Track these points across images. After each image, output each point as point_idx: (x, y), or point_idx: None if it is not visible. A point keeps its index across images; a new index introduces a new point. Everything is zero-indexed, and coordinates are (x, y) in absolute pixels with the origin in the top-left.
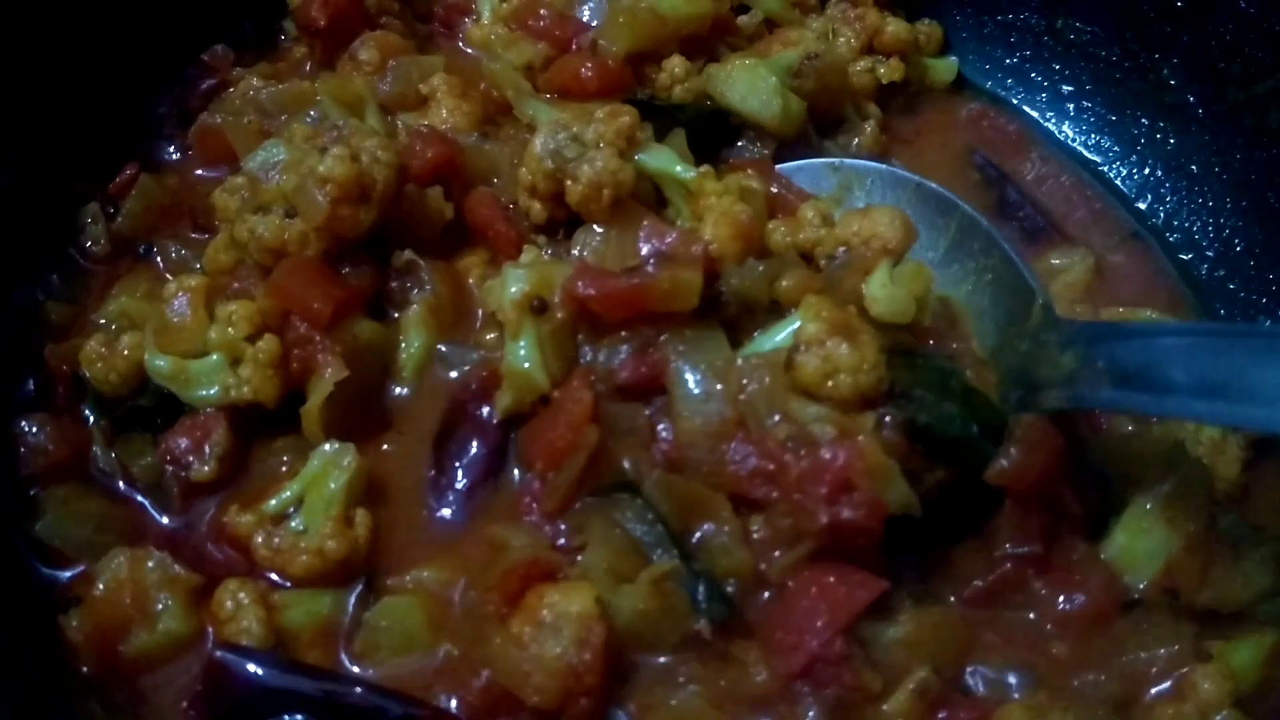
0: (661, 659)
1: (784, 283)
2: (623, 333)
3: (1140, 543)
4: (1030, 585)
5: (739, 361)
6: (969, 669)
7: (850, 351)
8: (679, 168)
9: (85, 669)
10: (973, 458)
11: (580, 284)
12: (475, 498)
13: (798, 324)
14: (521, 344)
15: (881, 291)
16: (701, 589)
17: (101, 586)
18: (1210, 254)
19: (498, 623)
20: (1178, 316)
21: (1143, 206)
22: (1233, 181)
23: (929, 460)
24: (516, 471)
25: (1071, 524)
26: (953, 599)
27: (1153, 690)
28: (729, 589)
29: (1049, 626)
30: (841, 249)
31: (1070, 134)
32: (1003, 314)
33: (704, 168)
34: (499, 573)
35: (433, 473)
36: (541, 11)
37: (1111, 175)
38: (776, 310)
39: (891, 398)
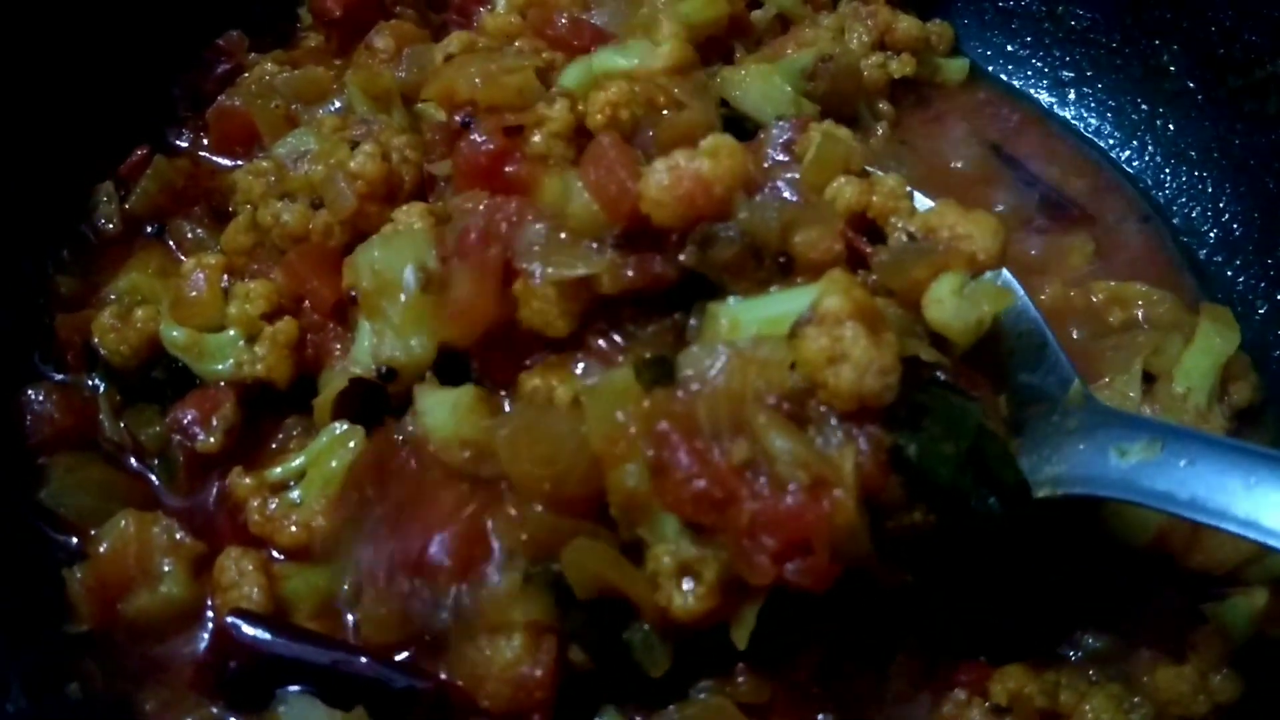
0: None
1: (801, 236)
2: None
3: (1132, 508)
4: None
5: (694, 349)
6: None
7: (867, 347)
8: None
9: (84, 626)
10: (960, 511)
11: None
12: None
13: (811, 297)
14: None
15: (951, 298)
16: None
17: (107, 544)
18: (1209, 239)
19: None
20: (1180, 300)
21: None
22: (1232, 167)
23: (908, 499)
24: None
25: None
26: None
27: (1150, 652)
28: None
29: (1050, 592)
30: (924, 234)
31: (1070, 120)
32: (1030, 390)
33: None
34: None
35: None
36: (559, 20)
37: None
38: (780, 273)
39: (888, 416)
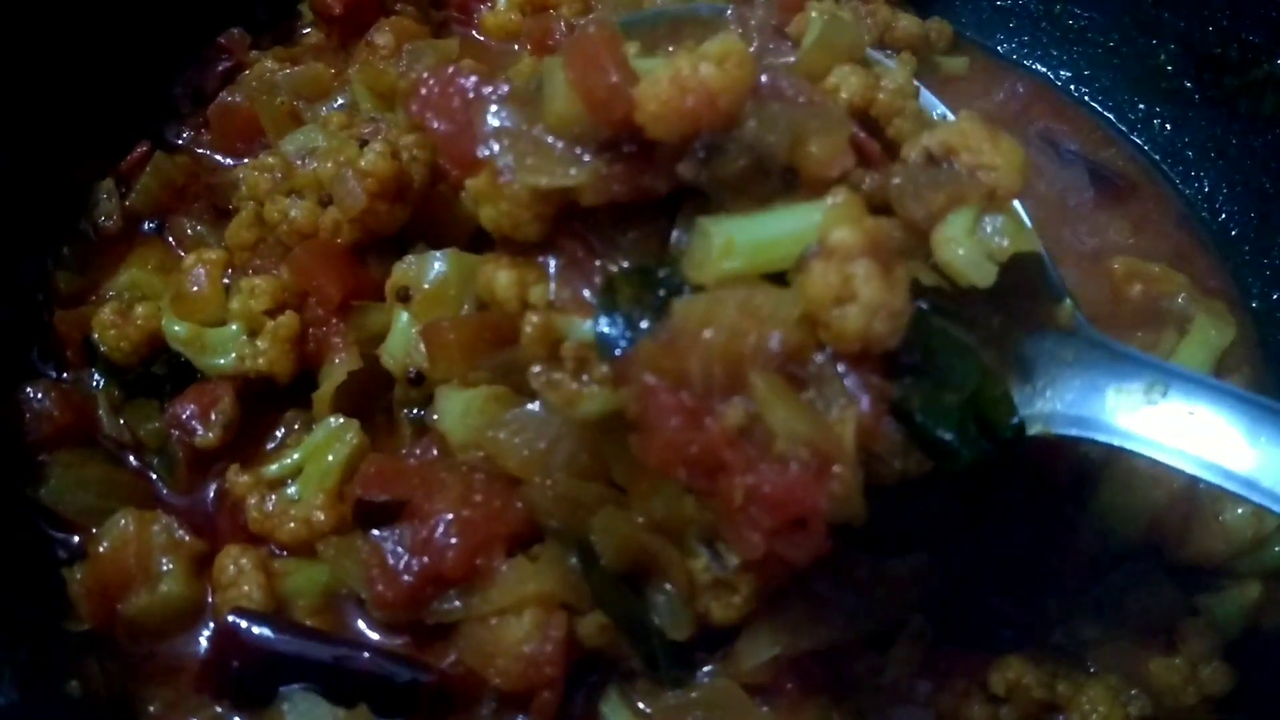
0: None
1: (813, 147)
2: None
3: (1125, 499)
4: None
5: (688, 297)
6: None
7: (879, 287)
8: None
9: (84, 625)
10: (952, 464)
11: None
12: None
13: (815, 216)
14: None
15: (967, 240)
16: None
17: (106, 544)
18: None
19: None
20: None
21: None
22: (1228, 166)
23: (905, 446)
24: None
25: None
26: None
27: (1143, 643)
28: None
29: (1043, 581)
30: (944, 155)
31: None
32: (1021, 308)
33: None
34: None
35: None
36: (558, 30)
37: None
38: (783, 187)
39: (892, 363)
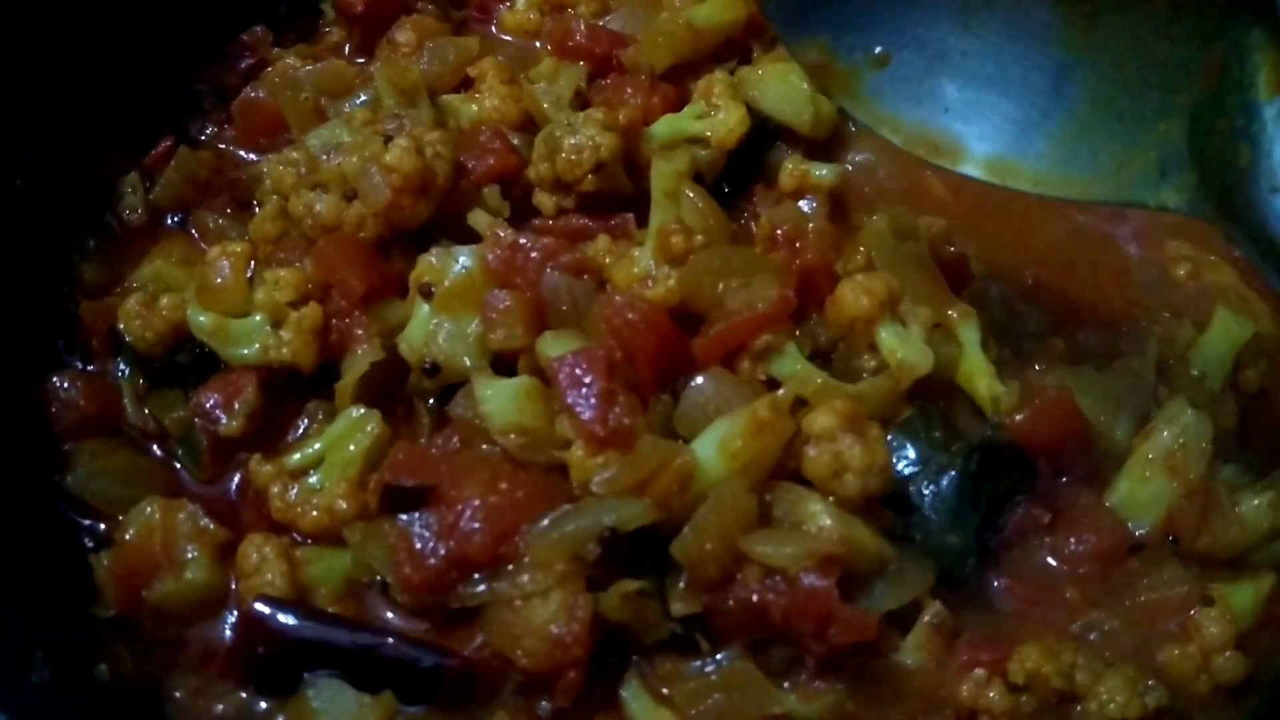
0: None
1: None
2: None
3: (1143, 490)
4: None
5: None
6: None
7: (862, 452)
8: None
9: (111, 611)
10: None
11: None
12: None
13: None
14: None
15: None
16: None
17: (133, 531)
18: None
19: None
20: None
21: None
22: None
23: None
24: None
25: (1073, 474)
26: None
27: (1158, 632)
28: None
29: (1061, 569)
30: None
31: None
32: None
33: None
34: None
35: None
36: (577, 30)
37: None
38: None
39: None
